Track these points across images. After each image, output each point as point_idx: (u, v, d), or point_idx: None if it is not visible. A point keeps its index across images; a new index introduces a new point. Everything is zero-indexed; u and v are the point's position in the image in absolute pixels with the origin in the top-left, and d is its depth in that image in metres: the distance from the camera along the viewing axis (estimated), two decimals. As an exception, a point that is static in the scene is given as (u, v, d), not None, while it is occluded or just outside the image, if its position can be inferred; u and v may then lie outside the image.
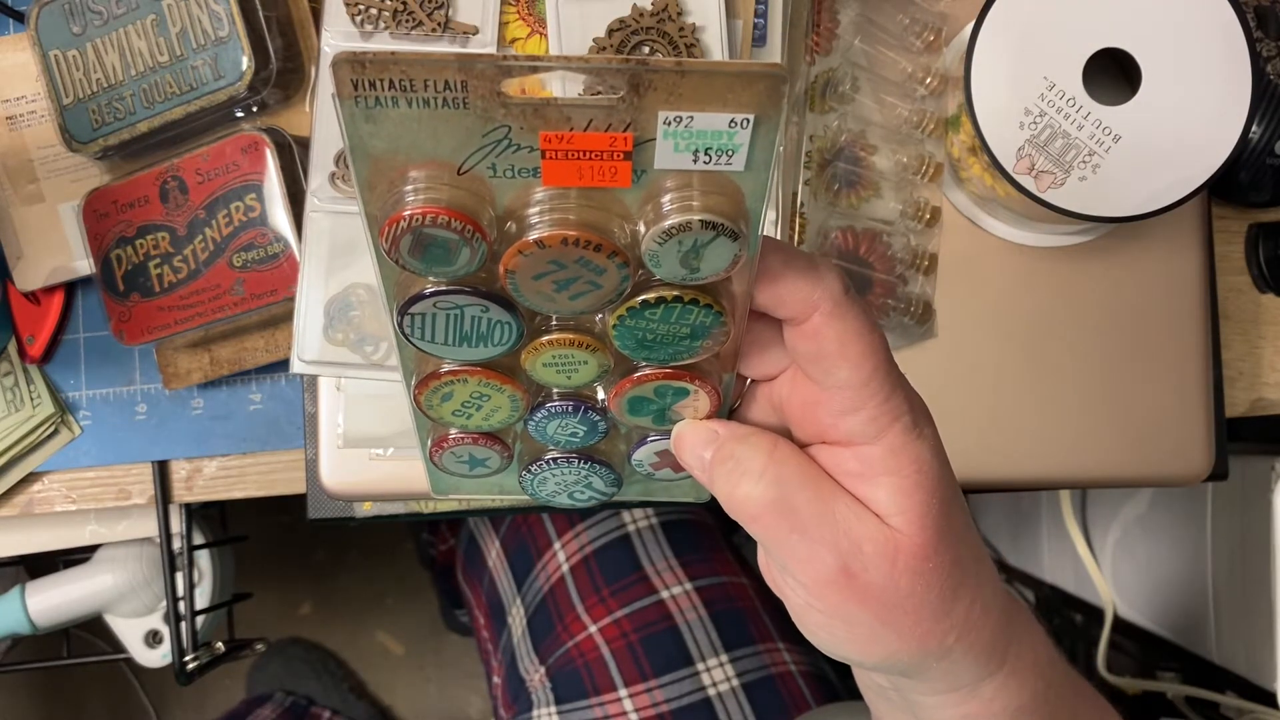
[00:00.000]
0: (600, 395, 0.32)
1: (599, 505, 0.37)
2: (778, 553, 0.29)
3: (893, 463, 0.28)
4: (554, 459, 0.34)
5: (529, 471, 0.34)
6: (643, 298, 0.26)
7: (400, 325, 0.28)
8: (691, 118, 0.23)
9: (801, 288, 0.27)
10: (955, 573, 0.29)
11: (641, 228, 0.25)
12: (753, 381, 0.31)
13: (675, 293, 0.26)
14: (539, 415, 0.31)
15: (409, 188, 0.24)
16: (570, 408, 0.31)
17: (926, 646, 0.29)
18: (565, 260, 0.25)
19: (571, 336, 0.28)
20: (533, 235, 0.25)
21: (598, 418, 0.31)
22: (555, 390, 0.31)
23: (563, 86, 0.44)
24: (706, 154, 0.24)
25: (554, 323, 0.29)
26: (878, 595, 0.28)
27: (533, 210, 0.25)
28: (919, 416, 0.29)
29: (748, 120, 0.23)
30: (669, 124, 0.23)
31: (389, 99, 0.23)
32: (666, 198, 0.25)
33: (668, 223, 0.24)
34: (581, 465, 0.34)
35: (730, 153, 0.24)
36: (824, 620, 0.29)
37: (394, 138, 0.24)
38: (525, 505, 0.53)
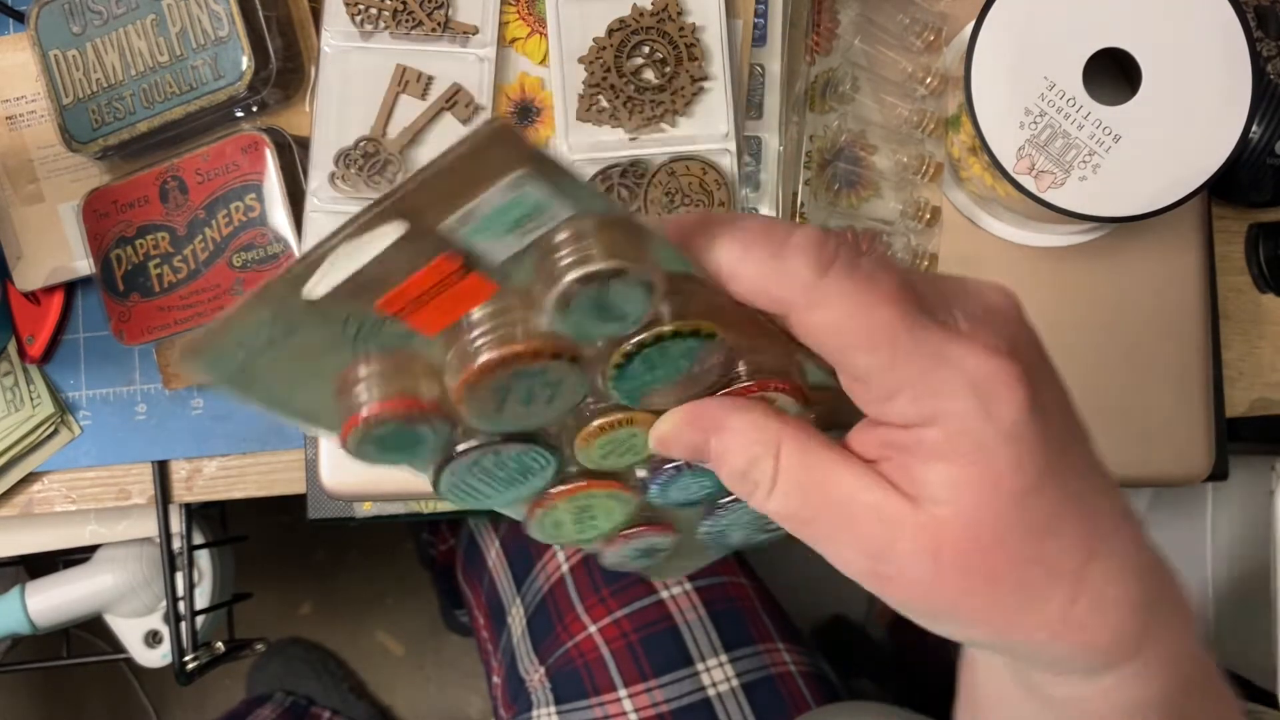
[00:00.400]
0: None
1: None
2: (817, 550, 0.26)
3: (947, 448, 0.24)
4: (717, 508, 0.31)
5: (703, 533, 0.32)
6: (614, 361, 0.24)
7: (451, 500, 0.27)
8: (470, 210, 0.21)
9: (765, 286, 0.24)
10: (1037, 570, 0.25)
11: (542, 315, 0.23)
12: None
13: (636, 340, 0.24)
14: (654, 490, 0.29)
15: (345, 402, 0.23)
16: (674, 469, 0.28)
17: (1007, 639, 0.26)
18: (503, 381, 0.23)
19: (603, 422, 0.26)
20: (455, 380, 0.23)
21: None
22: (648, 463, 0.29)
23: (562, 85, 0.44)
24: (523, 224, 0.22)
25: (585, 414, 0.27)
26: (924, 591, 0.25)
27: (450, 357, 0.24)
28: (993, 387, 0.23)
29: (519, 178, 0.21)
30: (462, 226, 0.21)
31: (242, 358, 0.22)
32: (539, 277, 0.23)
33: (549, 299, 0.22)
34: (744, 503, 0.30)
35: (543, 210, 0.22)
36: (885, 596, 0.26)
37: (286, 380, 0.23)
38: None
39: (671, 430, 0.27)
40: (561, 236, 0.22)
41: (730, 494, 0.29)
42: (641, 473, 0.29)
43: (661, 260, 0.23)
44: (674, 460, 0.28)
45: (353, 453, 0.24)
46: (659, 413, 0.26)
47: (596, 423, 0.26)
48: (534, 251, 0.22)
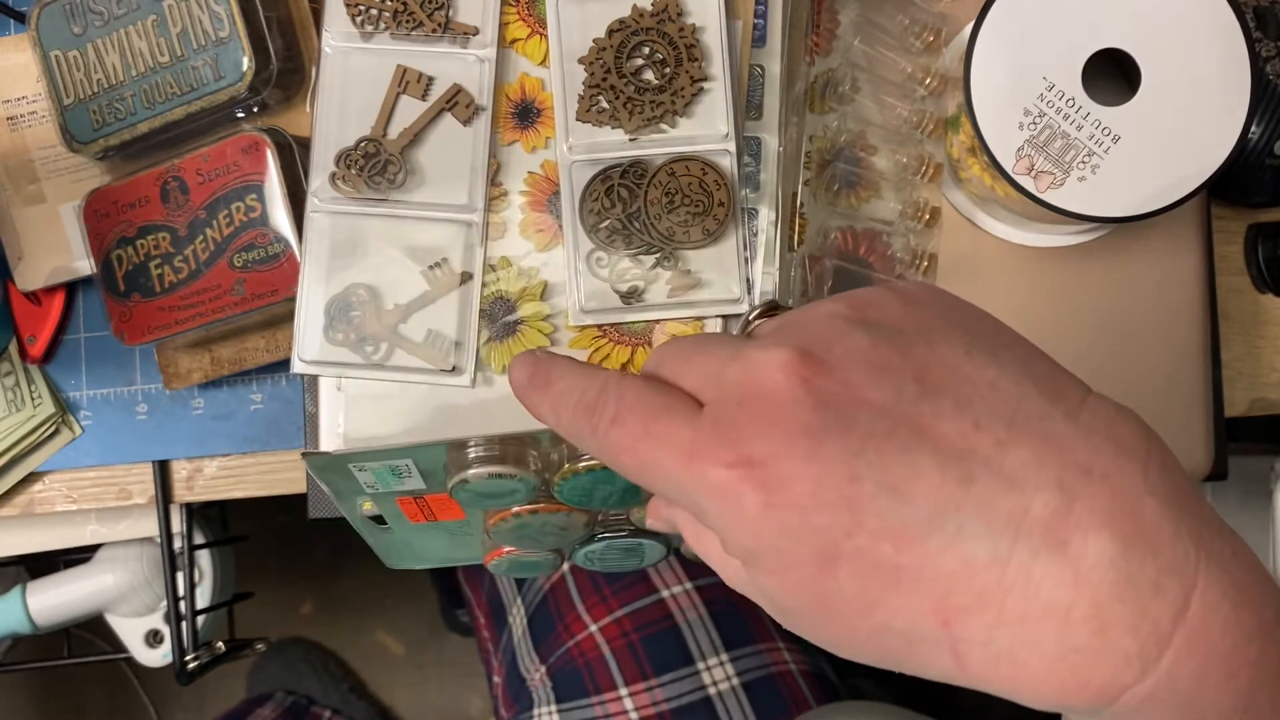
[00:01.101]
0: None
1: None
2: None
3: (734, 555, 0.26)
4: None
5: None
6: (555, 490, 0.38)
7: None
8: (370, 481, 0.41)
9: (573, 441, 0.29)
10: (889, 640, 0.24)
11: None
12: None
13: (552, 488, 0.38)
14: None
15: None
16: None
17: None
18: (518, 529, 0.38)
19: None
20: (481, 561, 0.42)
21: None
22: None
23: (562, 86, 0.44)
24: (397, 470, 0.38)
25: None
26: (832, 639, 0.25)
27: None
28: (730, 504, 0.24)
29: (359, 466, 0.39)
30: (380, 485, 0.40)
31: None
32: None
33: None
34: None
35: (405, 474, 0.38)
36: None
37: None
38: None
39: (652, 526, 0.33)
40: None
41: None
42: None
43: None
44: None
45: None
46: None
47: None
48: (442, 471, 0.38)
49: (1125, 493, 0.23)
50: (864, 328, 0.24)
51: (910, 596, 0.23)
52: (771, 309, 0.29)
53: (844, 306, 0.25)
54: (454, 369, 0.45)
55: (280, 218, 0.48)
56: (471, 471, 0.34)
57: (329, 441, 0.48)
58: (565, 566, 0.68)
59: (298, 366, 0.46)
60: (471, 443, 0.33)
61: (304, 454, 0.33)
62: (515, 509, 0.35)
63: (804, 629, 0.25)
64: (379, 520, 0.47)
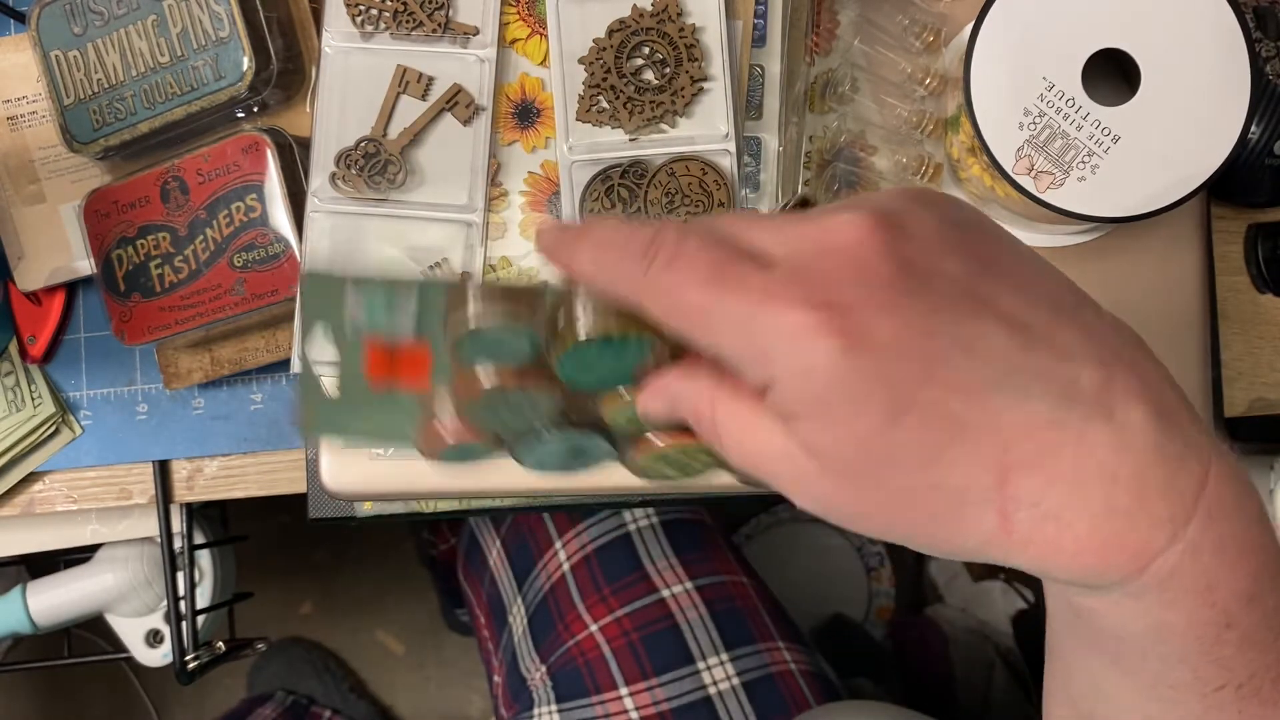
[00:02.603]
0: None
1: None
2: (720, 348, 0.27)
3: (793, 407, 0.24)
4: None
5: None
6: (556, 356, 0.29)
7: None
8: (353, 320, 0.31)
9: (612, 291, 0.26)
10: (940, 498, 0.24)
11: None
12: None
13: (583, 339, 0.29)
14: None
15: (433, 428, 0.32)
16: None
17: (963, 555, 0.25)
18: (493, 403, 0.30)
19: (670, 442, 0.30)
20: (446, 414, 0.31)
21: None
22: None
23: (562, 86, 0.44)
24: (394, 308, 0.30)
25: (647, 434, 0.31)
26: (849, 511, 0.25)
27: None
28: (803, 344, 0.23)
29: (353, 290, 0.30)
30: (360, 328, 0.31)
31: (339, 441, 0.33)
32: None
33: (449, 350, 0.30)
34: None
35: (393, 296, 0.30)
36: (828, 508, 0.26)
37: (369, 435, 0.33)
38: (526, 505, 0.53)
39: (645, 406, 0.29)
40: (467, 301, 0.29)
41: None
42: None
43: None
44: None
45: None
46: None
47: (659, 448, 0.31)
48: (438, 317, 0.30)
49: (1150, 377, 0.26)
50: (931, 208, 0.25)
51: (972, 451, 0.23)
52: (803, 204, 0.29)
53: (909, 192, 0.26)
54: (454, 369, 0.45)
55: (280, 218, 0.48)
56: (482, 314, 0.28)
57: (329, 441, 0.48)
58: (566, 567, 0.68)
59: (298, 366, 0.46)
60: (474, 291, 0.29)
61: (307, 273, 0.31)
62: (500, 379, 0.30)
63: (847, 491, 0.25)
64: None
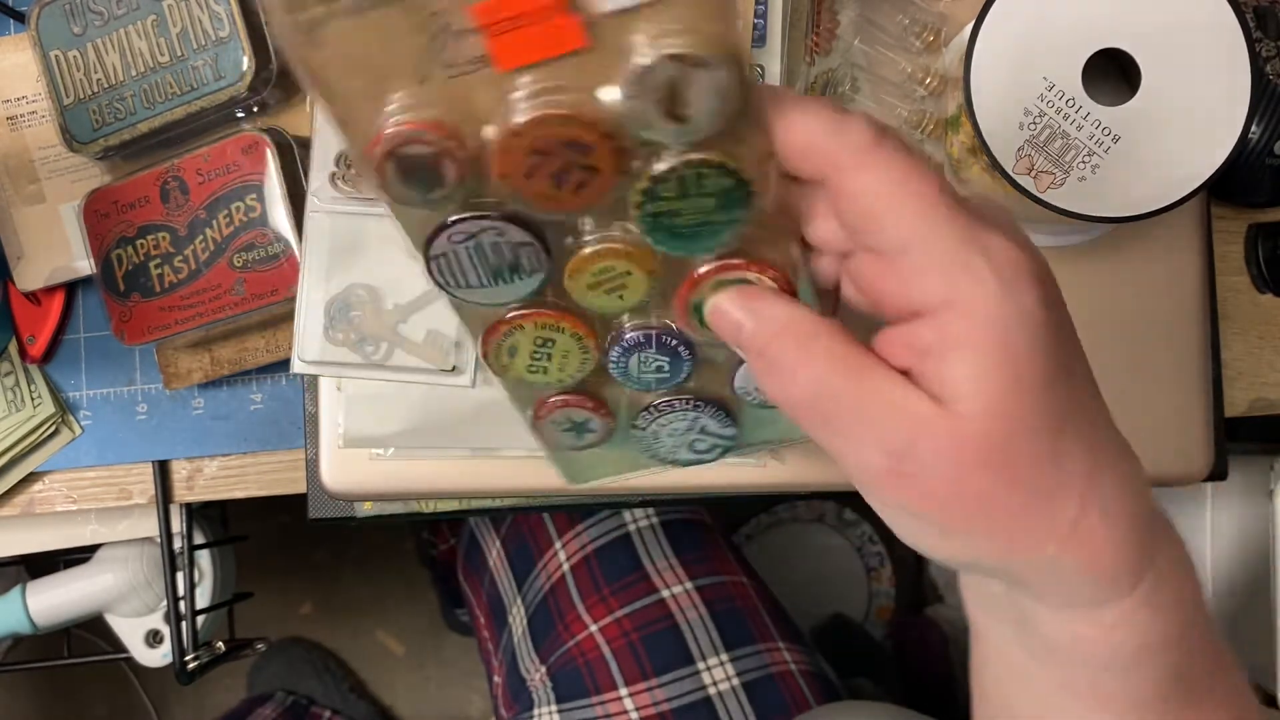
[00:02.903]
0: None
1: (725, 451, 0.33)
2: (827, 450, 0.26)
3: (969, 332, 0.24)
4: (656, 406, 0.31)
5: (637, 428, 0.32)
6: (651, 173, 0.24)
7: (431, 275, 0.27)
8: None
9: (822, 142, 0.24)
10: (1052, 470, 0.25)
11: (617, 90, 0.22)
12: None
13: (680, 159, 0.24)
14: (614, 354, 0.29)
15: (382, 114, 0.23)
16: (643, 338, 0.29)
17: (1015, 553, 0.25)
18: (549, 147, 0.23)
19: (603, 248, 0.26)
20: (506, 123, 0.23)
21: (677, 343, 0.29)
22: (626, 324, 0.29)
23: None
24: None
25: (585, 238, 0.27)
26: (941, 495, 0.24)
27: (505, 105, 0.23)
28: (1016, 273, 0.24)
29: None
30: None
31: (321, 14, 0.21)
32: (634, 45, 0.22)
33: (631, 68, 0.22)
34: (686, 408, 0.31)
35: None
36: (890, 512, 0.26)
37: (344, 60, 0.22)
38: (526, 505, 0.53)
39: (718, 303, 0.27)
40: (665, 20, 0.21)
41: (675, 395, 0.31)
42: (611, 338, 0.30)
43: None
44: (640, 329, 0.28)
45: (375, 171, 0.24)
46: (643, 251, 0.27)
47: (596, 248, 0.26)
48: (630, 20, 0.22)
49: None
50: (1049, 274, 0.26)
51: (1078, 442, 0.26)
52: None
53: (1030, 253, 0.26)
54: (454, 369, 0.45)
55: (280, 218, 0.48)
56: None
57: (329, 441, 0.48)
58: (565, 567, 0.68)
59: (298, 366, 0.46)
60: None
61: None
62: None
63: (971, 451, 0.24)
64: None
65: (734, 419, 0.32)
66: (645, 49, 0.22)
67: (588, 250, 0.27)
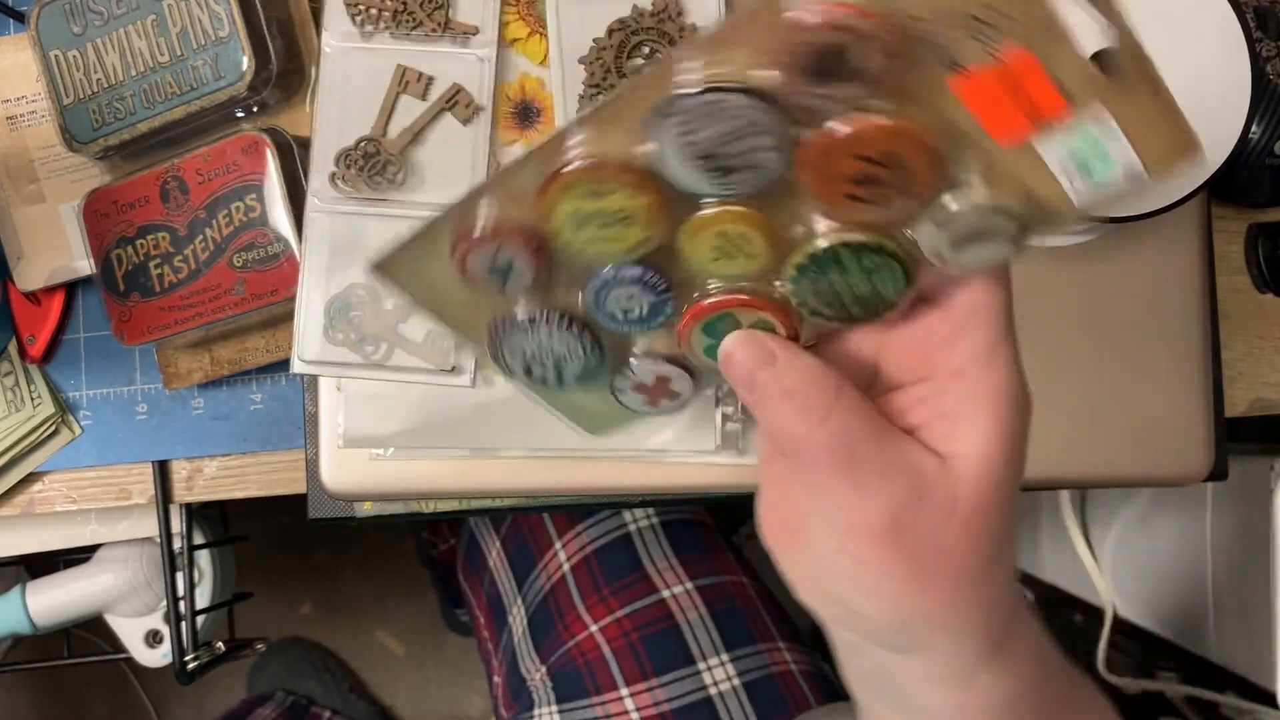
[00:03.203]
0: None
1: (557, 385, 0.33)
2: (825, 498, 0.27)
3: (994, 404, 0.27)
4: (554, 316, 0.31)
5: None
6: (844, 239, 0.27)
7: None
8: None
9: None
10: (1001, 538, 0.28)
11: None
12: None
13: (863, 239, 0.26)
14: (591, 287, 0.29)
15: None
16: (638, 275, 0.29)
17: (952, 615, 0.28)
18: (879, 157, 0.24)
19: (738, 210, 0.27)
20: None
21: (666, 299, 0.29)
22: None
23: (562, 86, 0.44)
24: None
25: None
26: (921, 550, 0.27)
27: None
28: (1019, 370, 0.28)
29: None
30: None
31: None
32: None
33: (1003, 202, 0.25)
34: (578, 334, 0.30)
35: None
36: (852, 567, 0.28)
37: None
38: (526, 505, 0.53)
39: (752, 333, 0.29)
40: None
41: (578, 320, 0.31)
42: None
43: None
44: (645, 265, 0.29)
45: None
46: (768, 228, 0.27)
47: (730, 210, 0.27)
48: None
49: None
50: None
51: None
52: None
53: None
54: (454, 369, 0.45)
55: (280, 218, 0.48)
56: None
57: (329, 441, 0.48)
58: (566, 567, 0.68)
59: (297, 366, 0.46)
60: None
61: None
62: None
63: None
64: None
65: (593, 373, 0.32)
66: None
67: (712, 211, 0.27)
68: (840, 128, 0.23)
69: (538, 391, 0.33)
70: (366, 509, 0.53)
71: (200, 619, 0.62)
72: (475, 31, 0.45)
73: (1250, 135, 0.49)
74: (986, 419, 0.27)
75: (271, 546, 1.29)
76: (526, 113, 0.46)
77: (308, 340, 0.45)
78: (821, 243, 0.27)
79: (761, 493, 0.33)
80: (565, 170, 0.25)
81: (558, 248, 0.27)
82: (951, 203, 0.25)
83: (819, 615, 0.32)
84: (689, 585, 0.67)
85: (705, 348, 0.30)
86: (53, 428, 0.56)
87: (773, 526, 0.32)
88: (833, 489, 0.27)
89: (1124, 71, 0.23)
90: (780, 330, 0.29)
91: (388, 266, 0.28)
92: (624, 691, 0.63)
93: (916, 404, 0.28)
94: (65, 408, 0.57)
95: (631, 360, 0.32)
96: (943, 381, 0.28)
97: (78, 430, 0.57)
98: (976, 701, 0.30)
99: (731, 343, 0.29)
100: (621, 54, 0.44)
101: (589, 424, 0.36)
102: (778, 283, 0.29)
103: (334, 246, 0.45)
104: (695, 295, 0.30)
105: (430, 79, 0.45)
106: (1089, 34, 0.22)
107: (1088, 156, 0.25)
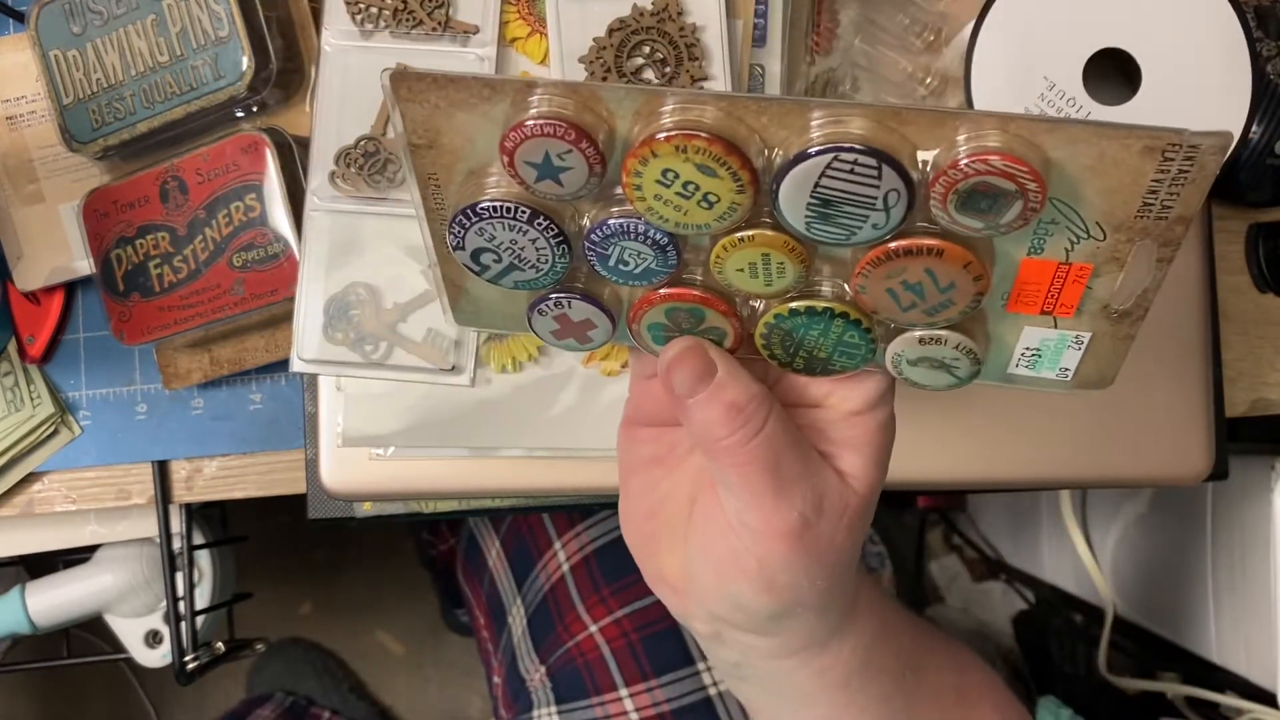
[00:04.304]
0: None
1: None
2: (743, 500, 0.31)
3: (876, 436, 0.32)
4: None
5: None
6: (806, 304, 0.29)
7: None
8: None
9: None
10: (864, 533, 0.33)
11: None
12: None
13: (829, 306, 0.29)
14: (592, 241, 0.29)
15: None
16: (640, 232, 0.29)
17: (828, 598, 0.33)
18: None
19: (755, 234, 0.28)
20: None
21: (668, 271, 0.30)
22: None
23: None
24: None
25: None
26: (818, 548, 0.31)
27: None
28: (891, 413, 0.33)
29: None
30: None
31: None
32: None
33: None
34: (556, 251, 0.30)
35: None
36: (752, 566, 0.31)
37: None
38: (525, 505, 0.53)
39: (699, 343, 0.31)
40: None
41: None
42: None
43: None
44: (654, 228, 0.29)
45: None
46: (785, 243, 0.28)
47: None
48: None
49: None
50: None
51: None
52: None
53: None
54: (453, 368, 0.45)
55: (280, 217, 0.48)
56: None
57: (329, 441, 0.48)
58: (565, 567, 0.68)
59: (297, 365, 0.46)
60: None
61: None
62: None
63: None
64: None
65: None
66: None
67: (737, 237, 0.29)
68: (932, 243, 0.26)
69: (444, 257, 0.32)
70: (366, 509, 0.53)
71: (200, 619, 0.62)
72: (475, 30, 0.45)
73: (1250, 135, 0.49)
74: (873, 447, 0.32)
75: (271, 546, 1.29)
76: (526, 112, 0.45)
77: (306, 339, 0.45)
78: (832, 303, 0.29)
79: (631, 497, 0.36)
80: (699, 135, 0.25)
81: (623, 182, 0.27)
82: (942, 331, 0.28)
83: (688, 611, 0.35)
84: (689, 585, 0.67)
85: (652, 326, 0.32)
86: (52, 428, 0.56)
87: (643, 527, 0.36)
88: (756, 493, 0.30)
89: (1125, 316, 0.28)
90: (728, 339, 0.31)
91: (408, 82, 0.26)
92: (623, 692, 0.63)
93: (822, 427, 0.32)
94: (65, 408, 0.57)
95: (574, 293, 0.31)
96: (839, 415, 0.32)
97: (77, 430, 0.57)
98: (834, 664, 0.35)
99: (675, 350, 0.31)
100: (622, 53, 0.44)
101: (462, 313, 0.34)
102: (754, 303, 0.31)
103: (333, 245, 0.45)
104: (688, 278, 0.30)
105: (430, 79, 0.45)
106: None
107: (1046, 353, 0.30)
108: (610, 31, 0.44)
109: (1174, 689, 0.72)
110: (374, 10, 0.45)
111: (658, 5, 0.44)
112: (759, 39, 0.45)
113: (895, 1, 0.48)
